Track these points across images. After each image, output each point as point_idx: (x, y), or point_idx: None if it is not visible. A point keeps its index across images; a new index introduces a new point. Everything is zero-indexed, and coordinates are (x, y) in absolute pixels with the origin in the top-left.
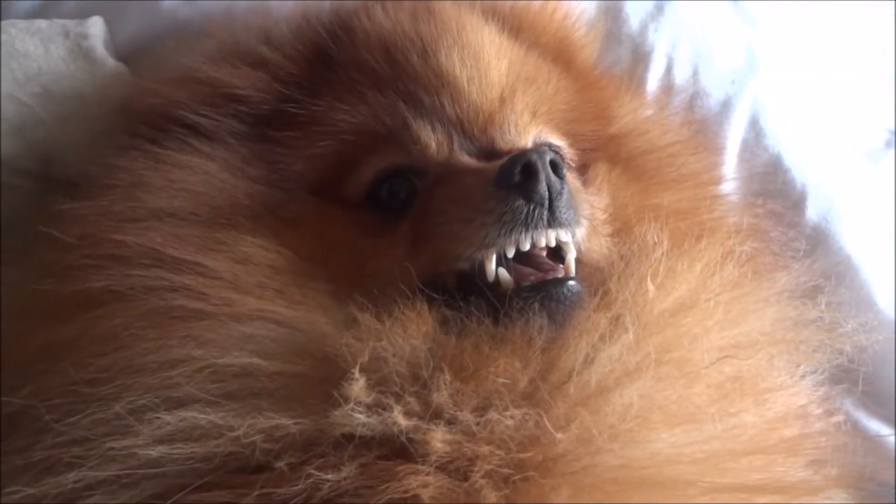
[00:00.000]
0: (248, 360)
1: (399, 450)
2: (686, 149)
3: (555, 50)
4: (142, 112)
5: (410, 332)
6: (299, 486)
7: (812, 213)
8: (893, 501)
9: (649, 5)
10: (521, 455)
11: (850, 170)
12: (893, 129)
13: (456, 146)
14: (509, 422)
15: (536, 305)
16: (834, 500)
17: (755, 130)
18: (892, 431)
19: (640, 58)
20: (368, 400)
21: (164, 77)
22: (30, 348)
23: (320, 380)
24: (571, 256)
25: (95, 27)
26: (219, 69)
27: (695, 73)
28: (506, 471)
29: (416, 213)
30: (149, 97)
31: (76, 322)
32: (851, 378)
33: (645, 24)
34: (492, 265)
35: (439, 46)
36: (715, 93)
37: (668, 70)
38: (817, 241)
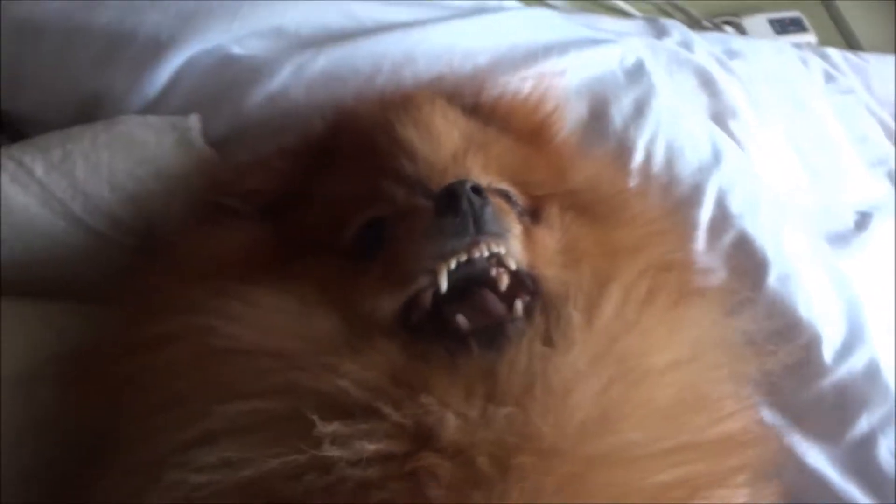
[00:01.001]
0: (257, 403)
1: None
2: (636, 195)
3: (523, 134)
4: (199, 195)
5: (371, 362)
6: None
7: (771, 278)
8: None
9: (630, 109)
10: (513, 446)
11: (808, 247)
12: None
13: (418, 197)
14: (494, 421)
15: (486, 340)
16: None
17: (721, 210)
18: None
19: (624, 150)
20: (339, 434)
21: (211, 176)
22: (101, 382)
23: (304, 418)
24: (513, 269)
25: (195, 122)
26: (241, 175)
27: (668, 163)
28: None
29: (385, 250)
30: (201, 185)
31: (143, 360)
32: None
33: (627, 123)
34: (444, 277)
35: (399, 122)
36: (686, 179)
37: (647, 159)
38: (775, 303)
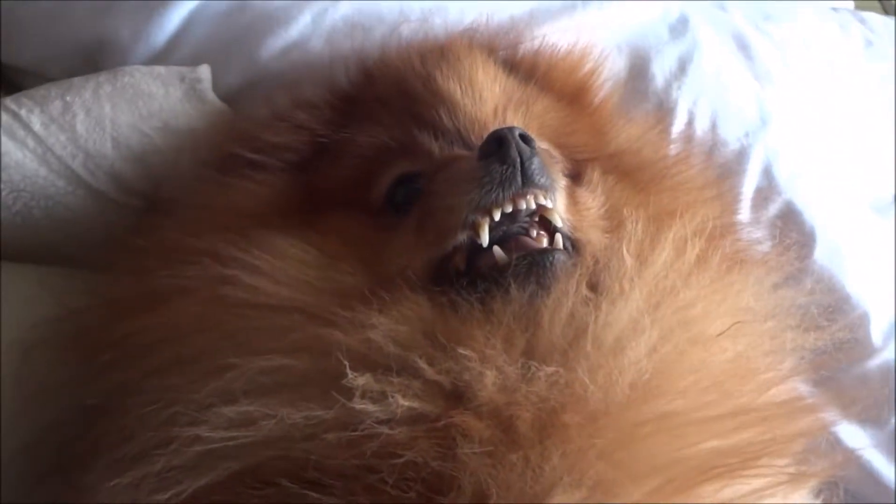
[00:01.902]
0: (281, 360)
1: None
2: (679, 161)
3: (564, 93)
4: (213, 150)
5: (402, 316)
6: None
7: (819, 253)
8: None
9: (673, 65)
10: (555, 406)
11: (856, 218)
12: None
13: (457, 150)
14: (537, 379)
15: (524, 272)
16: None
17: (768, 178)
18: (887, 459)
19: (664, 112)
20: (371, 388)
21: (232, 128)
22: (104, 342)
23: (332, 373)
24: (559, 227)
25: (205, 73)
26: (265, 128)
27: (713, 126)
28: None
29: (420, 204)
30: (220, 140)
31: (148, 316)
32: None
33: (669, 82)
34: (485, 231)
35: (438, 73)
36: (731, 143)
37: (690, 122)
38: (822, 279)
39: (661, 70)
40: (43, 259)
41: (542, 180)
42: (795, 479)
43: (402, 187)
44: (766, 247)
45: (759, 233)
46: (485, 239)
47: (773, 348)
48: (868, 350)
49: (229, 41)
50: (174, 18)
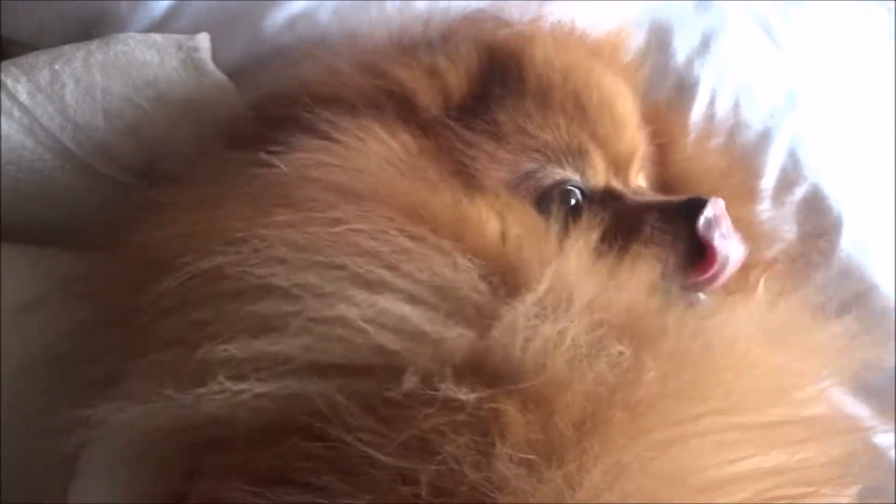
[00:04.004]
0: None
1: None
2: (722, 173)
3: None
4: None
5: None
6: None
7: (846, 240)
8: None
9: (696, 41)
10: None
11: (884, 207)
12: None
13: (610, 177)
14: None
15: None
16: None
17: (793, 161)
18: None
19: (684, 89)
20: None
21: (340, 65)
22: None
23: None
24: None
25: (204, 41)
26: (396, 68)
27: (736, 106)
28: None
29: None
30: (330, 81)
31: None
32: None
33: (691, 59)
34: None
35: (618, 96)
36: (755, 124)
37: (712, 102)
38: (850, 268)
39: (682, 45)
40: (38, 239)
41: None
42: None
43: (559, 191)
44: (790, 233)
45: (783, 219)
46: None
47: (799, 358)
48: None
49: (232, 12)
50: None
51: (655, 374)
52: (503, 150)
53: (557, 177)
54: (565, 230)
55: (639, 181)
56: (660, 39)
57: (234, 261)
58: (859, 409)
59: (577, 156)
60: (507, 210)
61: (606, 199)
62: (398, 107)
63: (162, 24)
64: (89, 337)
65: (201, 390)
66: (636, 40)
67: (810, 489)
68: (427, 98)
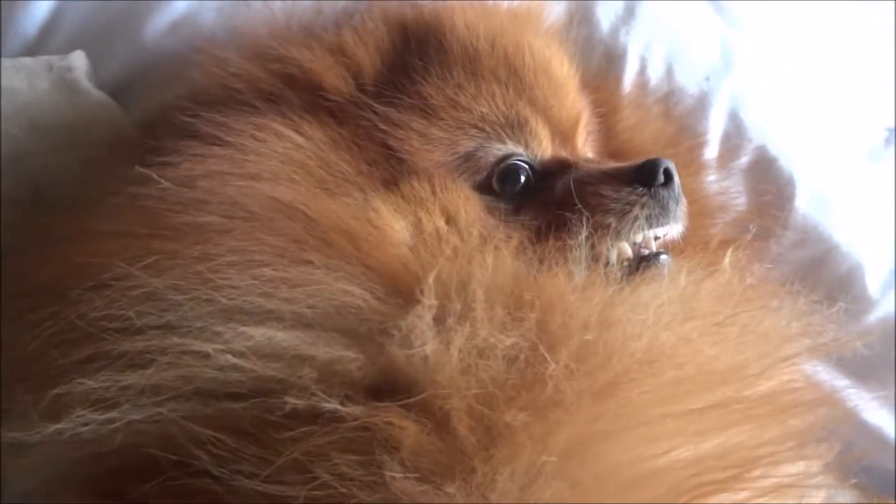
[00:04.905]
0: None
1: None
2: (668, 141)
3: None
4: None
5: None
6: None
7: (801, 201)
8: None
9: (619, 8)
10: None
11: (843, 164)
12: (893, 127)
13: (557, 147)
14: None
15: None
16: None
17: (735, 123)
18: (891, 416)
19: (613, 60)
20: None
21: (229, 57)
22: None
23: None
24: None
25: (78, 60)
26: (294, 50)
27: (669, 72)
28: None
29: (541, 203)
30: (218, 77)
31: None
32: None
33: (616, 27)
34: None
35: (552, 59)
36: (690, 88)
37: (642, 70)
38: (805, 230)
39: (606, 14)
40: None
41: (680, 214)
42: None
43: (503, 168)
44: (740, 201)
45: (730, 186)
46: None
47: (752, 335)
48: (865, 303)
49: (109, 22)
50: (41, 2)
51: (558, 368)
52: (435, 127)
53: (500, 153)
54: (498, 220)
55: (586, 152)
56: (581, 10)
57: (98, 305)
58: (837, 382)
59: (517, 127)
60: (433, 200)
61: (555, 171)
62: (301, 94)
63: (38, 42)
64: None
65: (58, 425)
66: (556, 12)
67: (740, 470)
68: (334, 78)
